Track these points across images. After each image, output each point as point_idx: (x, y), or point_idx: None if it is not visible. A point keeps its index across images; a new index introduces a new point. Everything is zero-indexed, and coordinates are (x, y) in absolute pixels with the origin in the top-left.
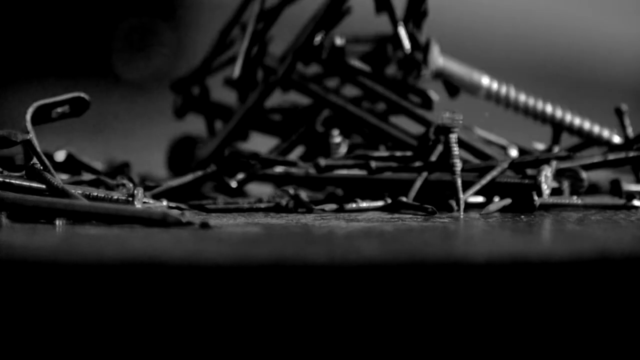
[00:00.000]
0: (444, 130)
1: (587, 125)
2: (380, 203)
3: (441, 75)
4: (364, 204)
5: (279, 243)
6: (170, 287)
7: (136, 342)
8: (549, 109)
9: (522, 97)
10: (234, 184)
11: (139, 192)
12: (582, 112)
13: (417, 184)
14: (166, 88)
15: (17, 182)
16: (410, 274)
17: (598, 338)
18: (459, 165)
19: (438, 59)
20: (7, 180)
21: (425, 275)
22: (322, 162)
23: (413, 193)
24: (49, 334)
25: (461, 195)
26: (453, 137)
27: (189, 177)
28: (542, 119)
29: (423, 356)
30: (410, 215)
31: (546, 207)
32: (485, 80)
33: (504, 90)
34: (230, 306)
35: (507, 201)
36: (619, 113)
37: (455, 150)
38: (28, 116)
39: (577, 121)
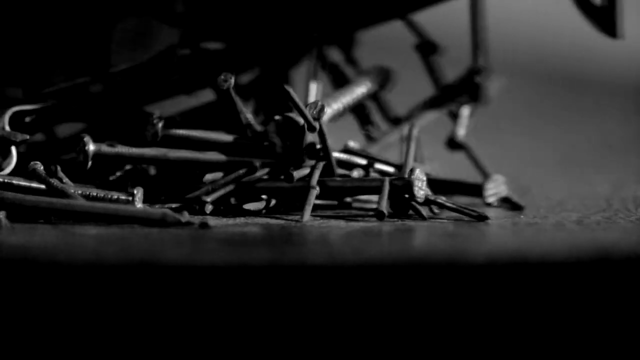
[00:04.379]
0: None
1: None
2: (257, 204)
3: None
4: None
5: (278, 243)
6: (170, 287)
7: (136, 342)
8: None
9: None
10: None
11: (139, 192)
12: (581, 111)
13: (317, 173)
14: None
15: (17, 182)
16: (409, 273)
17: (597, 338)
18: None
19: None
20: (7, 180)
21: (424, 275)
22: (295, 173)
23: (316, 178)
24: (49, 334)
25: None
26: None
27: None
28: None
29: (423, 356)
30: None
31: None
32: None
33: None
34: (229, 306)
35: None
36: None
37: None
38: (6, 119)
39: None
